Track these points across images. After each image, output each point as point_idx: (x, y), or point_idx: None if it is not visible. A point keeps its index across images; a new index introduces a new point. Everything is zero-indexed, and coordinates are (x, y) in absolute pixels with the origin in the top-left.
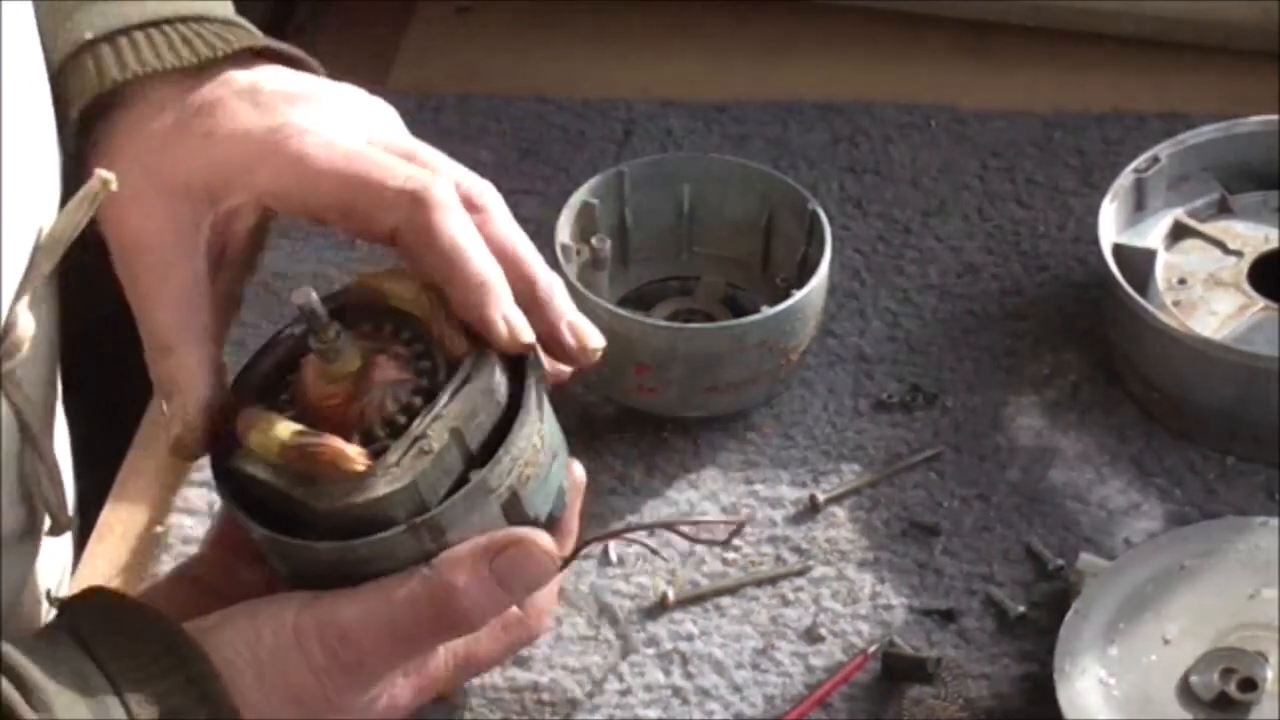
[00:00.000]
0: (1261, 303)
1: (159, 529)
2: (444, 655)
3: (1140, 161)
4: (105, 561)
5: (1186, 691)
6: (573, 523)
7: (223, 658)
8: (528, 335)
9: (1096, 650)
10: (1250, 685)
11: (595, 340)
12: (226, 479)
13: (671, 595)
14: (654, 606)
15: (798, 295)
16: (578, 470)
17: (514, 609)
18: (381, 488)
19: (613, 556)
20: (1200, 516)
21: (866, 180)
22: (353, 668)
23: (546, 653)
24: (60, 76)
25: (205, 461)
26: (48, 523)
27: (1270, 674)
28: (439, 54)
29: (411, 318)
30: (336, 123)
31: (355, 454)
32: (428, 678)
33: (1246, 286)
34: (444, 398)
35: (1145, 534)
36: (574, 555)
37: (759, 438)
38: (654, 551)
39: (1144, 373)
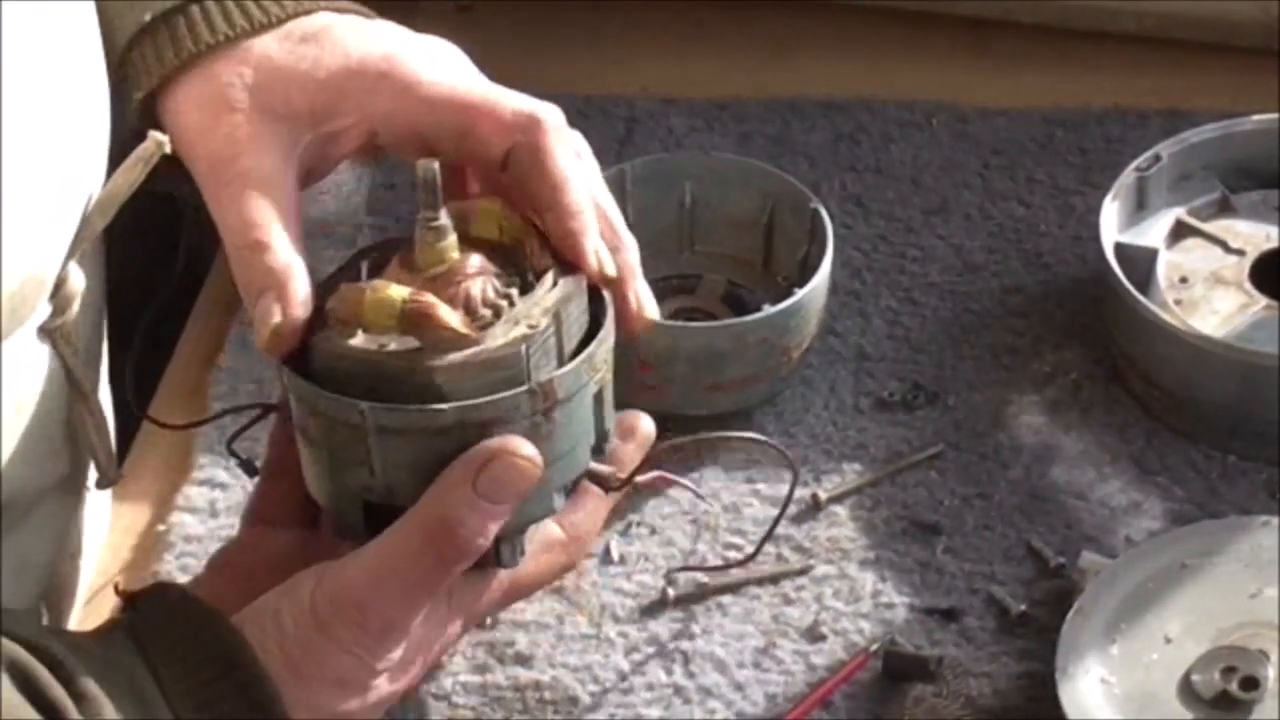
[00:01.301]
0: (1263, 301)
1: (161, 528)
2: (490, 582)
3: (1142, 160)
4: (108, 560)
5: (1188, 690)
6: (628, 458)
7: (260, 667)
8: (612, 268)
9: (1098, 649)
10: (1252, 684)
11: (652, 311)
12: (302, 374)
13: (673, 594)
14: (655, 605)
15: (799, 294)
16: (646, 422)
17: (556, 530)
18: (499, 343)
19: (614, 555)
20: (1201, 515)
21: (868, 178)
22: (381, 632)
23: (548, 651)
24: (128, 54)
25: (207, 460)
26: (94, 475)
27: (1272, 673)
28: None
29: (493, 245)
30: (441, 54)
31: (465, 321)
32: (475, 610)
33: (1248, 285)
34: (541, 289)
35: (1146, 532)
36: (632, 475)
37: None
38: (697, 494)
39: (1145, 371)
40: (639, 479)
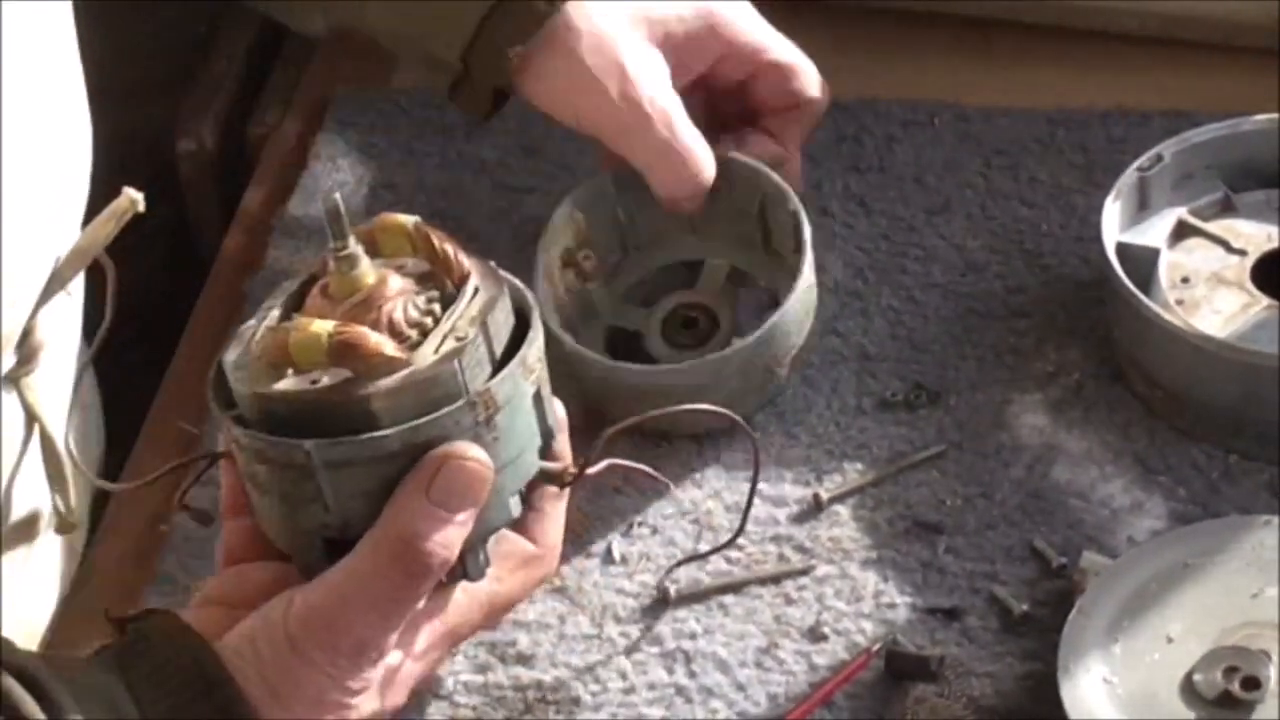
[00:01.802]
0: (1264, 301)
1: (163, 528)
2: (467, 601)
3: (1144, 160)
4: (110, 560)
5: (1190, 690)
6: (566, 450)
7: (236, 686)
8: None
9: (1100, 649)
10: (1253, 684)
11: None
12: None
13: (674, 593)
14: (657, 604)
15: (773, 318)
16: (559, 408)
17: (527, 545)
18: (430, 361)
19: (616, 555)
20: (1203, 515)
21: (870, 178)
22: (355, 652)
23: (550, 651)
24: (488, 21)
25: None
26: (55, 521)
27: (1273, 673)
28: None
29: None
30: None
31: (393, 345)
32: (455, 628)
33: (1249, 285)
34: (464, 300)
35: (1149, 532)
36: (583, 470)
37: (762, 437)
38: (654, 476)
39: (1147, 371)
40: (596, 472)
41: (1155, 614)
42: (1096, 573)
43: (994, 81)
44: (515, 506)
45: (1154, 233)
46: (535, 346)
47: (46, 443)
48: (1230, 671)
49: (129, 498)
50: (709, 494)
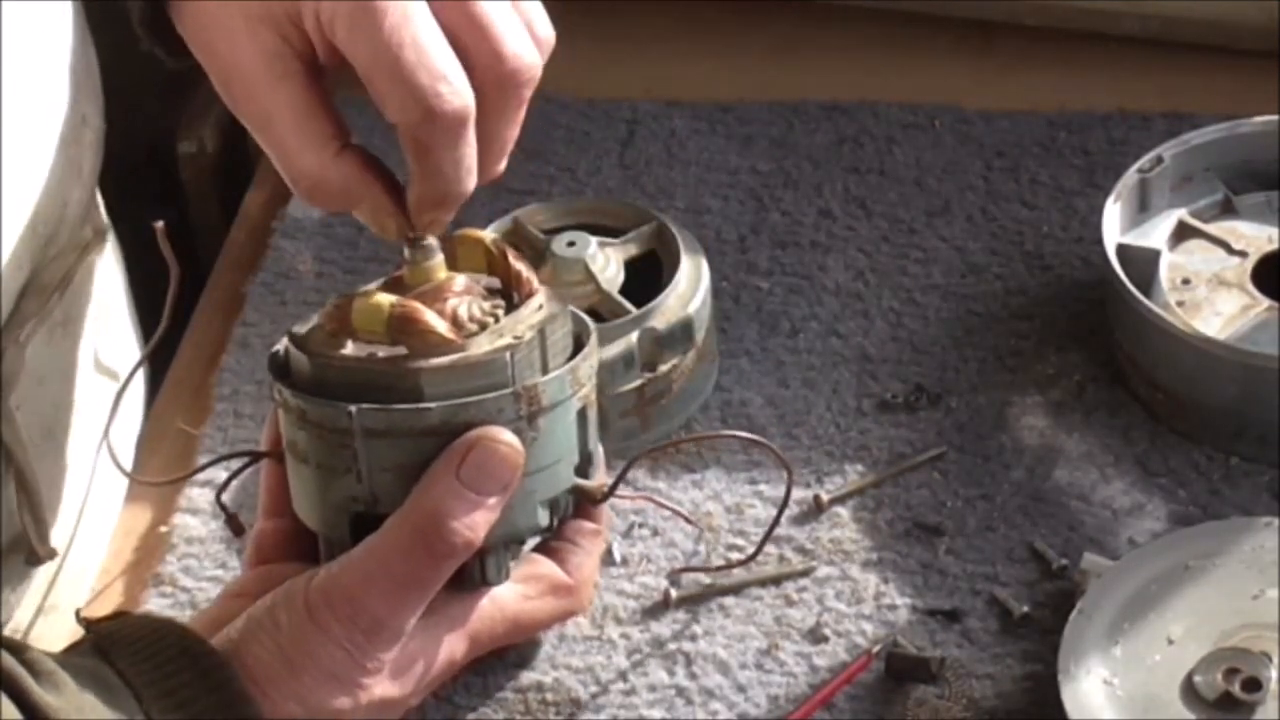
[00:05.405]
0: (1265, 303)
1: (163, 529)
2: (493, 610)
3: (1144, 161)
4: (110, 562)
5: (1190, 692)
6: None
7: (253, 656)
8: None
9: (1100, 650)
10: (1254, 685)
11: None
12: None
13: (675, 595)
14: (657, 606)
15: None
16: (600, 449)
17: (562, 575)
18: (484, 349)
19: (616, 556)
20: (1204, 517)
21: (871, 180)
22: (373, 629)
23: (550, 652)
24: None
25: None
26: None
27: (1274, 674)
28: None
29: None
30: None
31: (449, 327)
32: (476, 635)
33: (1250, 287)
34: (527, 309)
35: (1149, 534)
36: (616, 484)
37: (764, 439)
38: (686, 519)
39: (1148, 373)
40: (629, 497)
41: (1156, 616)
42: (1097, 574)
43: (994, 84)
44: (544, 518)
45: (1155, 234)
46: (589, 363)
47: (22, 472)
48: (1231, 673)
49: (130, 499)
50: (709, 495)
